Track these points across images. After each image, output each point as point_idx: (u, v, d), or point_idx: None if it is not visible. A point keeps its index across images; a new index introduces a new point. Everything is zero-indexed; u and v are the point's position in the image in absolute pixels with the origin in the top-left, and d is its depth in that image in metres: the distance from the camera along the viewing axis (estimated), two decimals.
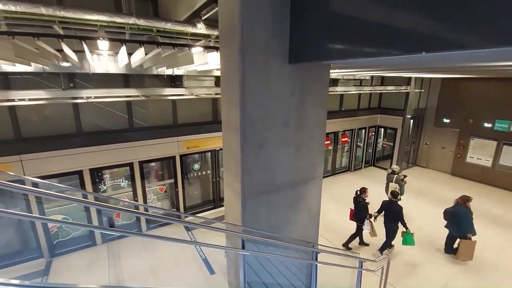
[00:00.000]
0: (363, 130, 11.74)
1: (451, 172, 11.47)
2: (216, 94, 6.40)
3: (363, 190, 6.25)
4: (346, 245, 6.37)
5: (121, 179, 6.09)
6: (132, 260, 5.68)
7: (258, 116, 2.77)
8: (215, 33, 4.59)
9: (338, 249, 5.99)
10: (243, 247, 2.55)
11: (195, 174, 7.25)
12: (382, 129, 12.17)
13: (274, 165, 3.08)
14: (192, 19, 4.47)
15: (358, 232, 6.32)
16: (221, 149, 7.46)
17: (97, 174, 5.75)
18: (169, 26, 4.16)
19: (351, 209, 6.37)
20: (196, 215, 7.50)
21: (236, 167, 2.92)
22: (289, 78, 2.87)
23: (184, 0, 4.56)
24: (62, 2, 4.79)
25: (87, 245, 6.02)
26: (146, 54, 4.26)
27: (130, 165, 6.06)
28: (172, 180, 6.80)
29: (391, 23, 1.72)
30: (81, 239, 5.97)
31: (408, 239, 5.80)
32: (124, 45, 4.10)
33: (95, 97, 5.12)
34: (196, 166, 7.18)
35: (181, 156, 6.71)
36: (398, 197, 6.29)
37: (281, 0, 2.57)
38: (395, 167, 8.28)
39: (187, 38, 4.95)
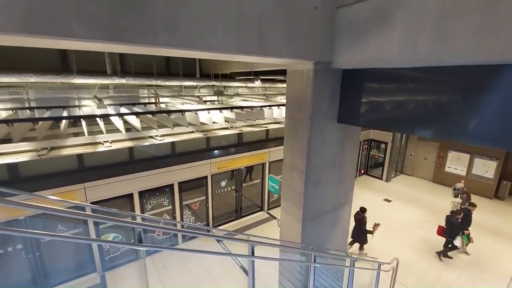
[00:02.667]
0: (359, 144, 12.87)
1: (432, 180, 12.79)
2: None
3: (457, 212, 7.08)
4: (441, 254, 7.14)
5: (163, 199, 6.77)
6: (178, 270, 6.35)
7: (316, 161, 3.63)
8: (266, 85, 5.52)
9: (360, 255, 6.95)
10: (314, 260, 3.41)
11: (222, 190, 8.02)
12: (375, 143, 13.40)
13: (324, 195, 3.95)
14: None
15: (450, 246, 7.04)
16: (245, 167, 8.30)
17: (144, 195, 6.41)
18: (235, 84, 5.07)
19: (439, 226, 7.19)
20: (222, 226, 8.28)
21: (298, 199, 3.77)
22: (336, 132, 3.75)
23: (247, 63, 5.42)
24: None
25: (133, 259, 6.63)
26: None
27: (171, 186, 6.75)
28: (204, 197, 7.55)
29: (404, 113, 2.67)
30: (128, 253, 6.58)
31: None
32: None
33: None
34: (223, 183, 7.95)
35: (212, 175, 7.47)
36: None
37: (335, 83, 3.46)
38: (458, 185, 9.00)
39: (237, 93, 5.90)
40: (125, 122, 5.95)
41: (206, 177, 7.36)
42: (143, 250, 6.71)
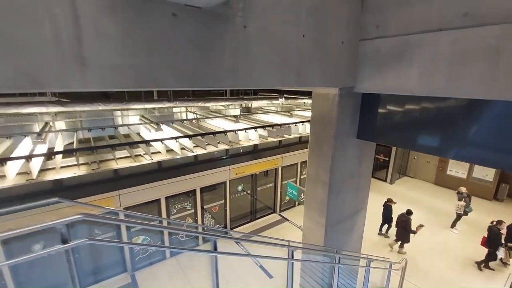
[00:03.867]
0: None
1: (434, 182, 13.09)
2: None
3: (500, 222, 7.28)
4: (481, 264, 7.22)
5: (186, 203, 7.13)
6: (201, 269, 6.71)
7: (338, 174, 3.97)
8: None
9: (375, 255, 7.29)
10: (338, 262, 3.76)
11: (238, 194, 8.38)
12: (380, 146, 13.72)
13: (344, 204, 4.29)
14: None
15: (492, 257, 7.12)
16: (260, 172, 8.66)
17: (170, 200, 6.78)
18: (263, 102, 5.47)
19: (484, 236, 7.32)
20: (238, 228, 8.63)
21: (321, 208, 4.11)
22: (355, 147, 4.08)
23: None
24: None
25: (160, 259, 7.00)
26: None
27: (193, 191, 7.11)
28: (222, 201, 7.91)
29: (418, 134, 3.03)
30: (155, 254, 6.95)
31: None
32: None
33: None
34: (240, 188, 8.32)
35: (230, 180, 7.83)
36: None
37: (356, 104, 3.80)
38: (461, 189, 9.25)
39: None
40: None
41: (225, 182, 7.72)
42: (169, 251, 7.09)
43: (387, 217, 8.55)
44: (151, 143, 5.49)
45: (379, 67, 3.21)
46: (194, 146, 6.57)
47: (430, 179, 13.25)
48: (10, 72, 1.41)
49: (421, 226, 7.51)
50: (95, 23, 1.58)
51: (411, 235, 7.62)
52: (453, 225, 9.12)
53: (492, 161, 2.81)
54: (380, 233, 8.79)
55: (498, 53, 2.27)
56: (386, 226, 8.76)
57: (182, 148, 6.12)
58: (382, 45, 3.13)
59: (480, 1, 2.33)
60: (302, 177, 9.92)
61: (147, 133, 6.25)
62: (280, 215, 9.57)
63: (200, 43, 2.03)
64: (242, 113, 9.11)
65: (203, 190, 7.28)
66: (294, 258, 3.02)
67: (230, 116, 8.07)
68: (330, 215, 4.13)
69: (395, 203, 8.20)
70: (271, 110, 9.44)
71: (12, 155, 5.23)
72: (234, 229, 8.44)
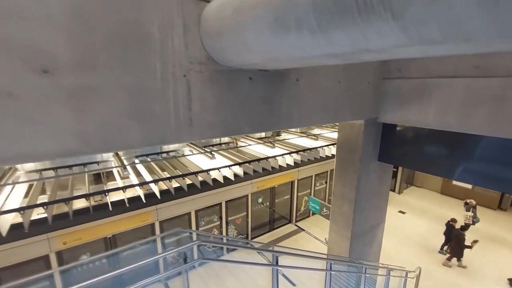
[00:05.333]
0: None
1: (440, 192, 13.37)
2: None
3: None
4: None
5: (213, 216, 7.56)
6: (230, 277, 7.06)
7: (363, 193, 4.38)
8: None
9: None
10: (365, 272, 4.13)
11: (258, 206, 8.79)
12: None
13: (367, 219, 4.68)
14: None
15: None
16: (278, 185, 9.07)
17: (199, 213, 7.20)
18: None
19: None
20: (258, 238, 9.00)
21: (347, 222, 4.51)
22: (377, 169, 4.50)
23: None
24: None
25: (190, 268, 7.39)
26: None
27: (219, 204, 7.54)
28: (245, 213, 8.32)
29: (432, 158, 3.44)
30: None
31: None
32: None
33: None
34: (260, 200, 8.73)
35: (251, 193, 8.26)
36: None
37: (378, 131, 4.24)
38: (471, 201, 9.48)
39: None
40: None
41: (247, 196, 8.14)
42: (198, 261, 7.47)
43: (449, 235, 8.46)
44: (209, 172, 5.93)
45: (400, 102, 3.66)
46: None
47: (436, 189, 13.52)
48: (146, 133, 1.87)
49: (476, 241, 7.58)
50: (199, 93, 2.05)
51: (466, 250, 7.68)
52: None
53: (498, 185, 3.24)
54: (441, 251, 8.68)
55: (502, 100, 2.71)
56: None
57: (235, 176, 6.53)
58: (403, 84, 3.58)
59: (489, 57, 2.78)
60: (315, 188, 10.32)
61: (201, 160, 6.61)
62: (296, 225, 9.93)
63: (266, 97, 2.49)
64: (272, 136, 9.60)
65: (228, 203, 7.70)
66: (332, 269, 3.39)
67: (266, 140, 8.56)
68: (355, 229, 4.52)
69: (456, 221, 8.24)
70: (296, 131, 10.01)
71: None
72: (254, 239, 8.81)
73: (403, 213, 11.21)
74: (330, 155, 7.47)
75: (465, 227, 8.08)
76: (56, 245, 4.97)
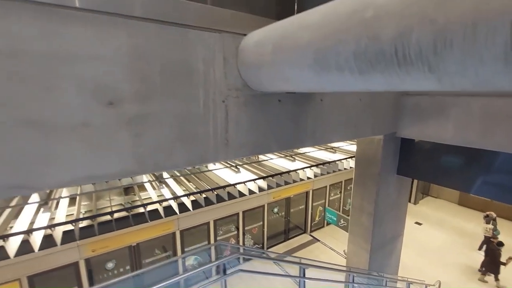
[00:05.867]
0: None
1: (458, 203, 13.07)
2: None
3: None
4: None
5: (231, 225, 7.70)
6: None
7: (381, 206, 4.45)
8: None
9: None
10: (385, 284, 4.16)
11: (274, 216, 8.88)
12: None
13: (386, 232, 4.72)
14: None
15: None
16: (295, 195, 9.15)
17: (217, 222, 7.36)
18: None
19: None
20: (273, 247, 9.05)
21: (366, 235, 4.56)
22: (396, 182, 4.57)
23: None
24: None
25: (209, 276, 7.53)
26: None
27: (237, 214, 7.68)
28: (261, 223, 8.42)
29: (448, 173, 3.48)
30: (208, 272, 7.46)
31: None
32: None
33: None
34: (275, 210, 8.83)
35: (268, 204, 8.37)
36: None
37: (397, 145, 4.33)
38: (491, 214, 9.25)
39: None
40: None
41: (263, 206, 8.26)
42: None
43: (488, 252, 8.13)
44: (236, 186, 6.15)
45: (419, 118, 3.75)
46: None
47: (453, 200, 13.22)
48: (190, 154, 2.06)
49: (511, 258, 7.38)
50: (235, 116, 2.23)
51: (502, 266, 7.49)
52: (481, 247, 9.14)
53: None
54: (480, 270, 8.25)
55: None
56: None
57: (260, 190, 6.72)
58: (422, 101, 3.68)
59: None
60: (330, 198, 10.31)
61: (225, 173, 6.84)
62: (311, 235, 9.92)
63: (293, 117, 2.66)
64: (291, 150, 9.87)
65: (245, 213, 7.83)
66: (354, 282, 3.45)
67: (286, 154, 8.73)
68: (374, 242, 4.56)
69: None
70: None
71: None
72: (270, 248, 8.87)
73: (420, 224, 11.02)
74: (348, 168, 7.53)
75: (501, 243, 7.81)
76: (85, 253, 5.20)
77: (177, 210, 6.25)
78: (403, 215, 5.06)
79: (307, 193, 9.54)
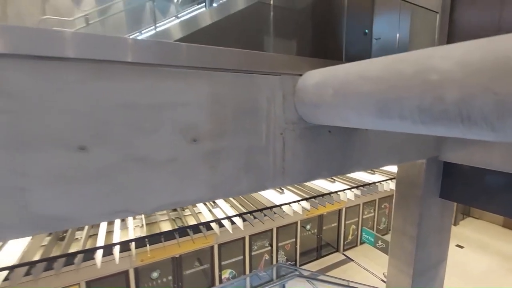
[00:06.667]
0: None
1: (502, 225, 12.12)
2: None
3: None
4: None
5: (264, 241, 7.83)
6: None
7: (425, 229, 4.38)
8: None
9: None
10: None
11: (306, 233, 8.88)
12: None
13: (429, 256, 4.61)
14: None
15: None
16: (327, 213, 9.10)
17: (252, 238, 7.54)
18: None
19: None
20: (305, 265, 8.99)
21: (408, 258, 4.49)
22: (438, 205, 4.48)
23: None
24: None
25: None
26: None
27: (271, 230, 7.81)
28: (294, 239, 8.46)
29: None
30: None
31: None
32: None
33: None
34: (308, 227, 8.83)
35: (301, 220, 8.41)
36: None
37: (440, 168, 4.29)
38: None
39: None
40: None
41: (296, 223, 8.30)
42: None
43: None
44: (282, 207, 6.41)
45: (463, 142, 3.73)
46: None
47: (497, 221, 12.28)
48: (252, 182, 2.29)
49: None
50: (291, 147, 2.45)
51: None
52: None
53: None
54: None
55: None
56: None
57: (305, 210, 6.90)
58: None
59: None
60: (364, 217, 10.08)
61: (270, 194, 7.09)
62: (344, 254, 9.72)
63: (341, 146, 2.82)
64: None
65: (278, 229, 7.93)
66: None
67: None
68: (417, 266, 4.47)
69: None
70: None
71: None
72: (303, 266, 8.81)
73: (461, 247, 10.36)
74: (388, 190, 7.43)
75: None
76: (135, 262, 5.60)
77: (216, 225, 6.51)
78: (446, 239, 4.90)
79: (339, 211, 9.43)
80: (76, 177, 1.59)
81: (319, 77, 2.11)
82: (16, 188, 1.46)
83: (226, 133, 2.06)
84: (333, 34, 4.25)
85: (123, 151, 1.70)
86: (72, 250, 4.48)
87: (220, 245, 6.85)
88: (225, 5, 5.32)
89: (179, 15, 6.87)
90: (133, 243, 4.94)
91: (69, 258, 4.50)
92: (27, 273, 4.24)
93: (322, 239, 9.36)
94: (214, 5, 6.61)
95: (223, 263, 7.18)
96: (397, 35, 5.37)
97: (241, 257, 7.38)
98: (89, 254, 4.67)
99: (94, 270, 5.12)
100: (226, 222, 6.02)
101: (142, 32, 7.04)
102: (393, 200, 4.67)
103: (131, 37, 7.14)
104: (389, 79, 1.51)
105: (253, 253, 7.57)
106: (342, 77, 1.86)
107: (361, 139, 2.97)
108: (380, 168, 3.54)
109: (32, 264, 4.05)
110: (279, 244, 8.15)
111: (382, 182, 6.94)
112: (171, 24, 6.45)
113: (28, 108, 1.44)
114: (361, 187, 6.71)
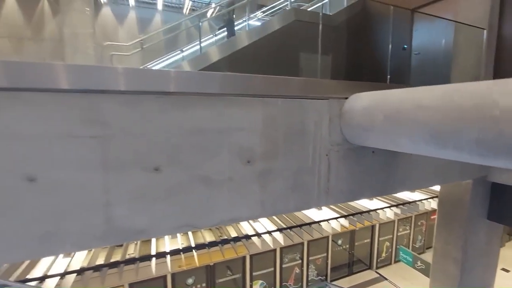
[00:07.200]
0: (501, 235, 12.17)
1: None
2: None
3: None
4: None
5: (295, 254, 7.81)
6: None
7: (470, 253, 4.14)
8: None
9: None
10: None
11: (338, 248, 8.70)
12: None
13: (475, 280, 4.33)
14: None
15: None
16: (360, 228, 8.88)
17: (283, 250, 7.56)
18: None
19: None
20: (336, 281, 8.78)
21: (452, 283, 4.24)
22: (485, 227, 4.24)
23: None
24: None
25: None
26: None
27: (302, 244, 7.78)
28: (325, 254, 8.33)
29: None
30: None
31: None
32: None
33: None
34: (340, 242, 8.66)
35: (332, 235, 8.27)
36: None
37: (487, 189, 4.10)
38: None
39: None
40: None
41: (328, 237, 8.18)
42: None
43: None
44: (321, 224, 6.51)
45: None
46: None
47: None
48: (298, 201, 2.39)
49: None
50: (336, 168, 2.51)
51: None
52: None
53: None
54: None
55: None
56: None
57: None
58: None
59: None
60: (398, 234, 9.66)
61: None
62: (376, 272, 9.34)
63: (385, 166, 2.83)
64: None
65: (310, 243, 7.86)
66: None
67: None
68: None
69: None
70: None
71: None
72: (333, 282, 8.60)
73: (507, 271, 9.51)
74: (430, 209, 7.12)
75: None
76: (173, 268, 5.86)
77: (258, 238, 6.65)
78: (494, 264, 4.59)
79: (373, 226, 9.12)
80: (151, 194, 1.80)
81: (368, 102, 2.18)
82: (104, 203, 1.69)
83: (276, 154, 2.20)
84: (375, 55, 4.30)
85: (190, 171, 1.89)
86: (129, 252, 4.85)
87: (252, 256, 6.93)
88: (268, 27, 5.56)
89: (216, 33, 7.25)
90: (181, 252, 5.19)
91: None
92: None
93: (354, 255, 9.08)
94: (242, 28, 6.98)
95: (254, 273, 7.24)
96: (439, 48, 5.25)
97: (272, 268, 7.40)
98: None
99: (135, 273, 5.44)
100: (266, 236, 6.12)
101: (183, 49, 7.52)
102: (435, 220, 4.49)
103: (173, 54, 7.66)
104: (447, 110, 1.55)
105: (283, 266, 7.55)
106: (394, 103, 1.92)
107: (405, 160, 2.96)
108: (426, 187, 3.47)
109: (97, 268, 4.48)
110: (310, 258, 8.05)
111: (423, 201, 6.64)
112: (211, 42, 6.84)
113: (117, 134, 1.67)
114: (401, 206, 6.48)
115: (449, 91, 1.59)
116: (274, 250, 7.31)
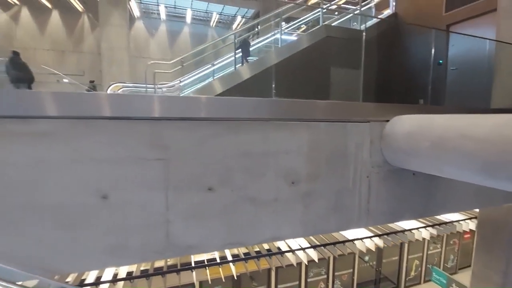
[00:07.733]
0: None
1: None
2: None
3: None
4: None
5: (321, 269, 7.70)
6: None
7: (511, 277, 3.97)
8: None
9: None
10: None
11: (365, 265, 8.47)
12: None
13: None
14: None
15: None
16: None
17: (309, 264, 7.48)
18: None
19: None
20: None
21: None
22: None
23: None
24: None
25: None
26: None
27: (328, 259, 7.66)
28: (351, 270, 8.15)
29: None
30: None
31: None
32: None
33: None
34: (366, 258, 8.42)
35: (359, 251, 8.08)
36: None
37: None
38: None
39: None
40: None
41: (354, 253, 7.99)
42: None
43: None
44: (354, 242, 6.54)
45: None
46: None
47: None
48: (339, 221, 2.42)
49: None
50: (376, 189, 2.54)
51: None
52: None
53: None
54: None
55: None
56: None
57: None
58: None
59: None
60: (428, 252, 9.24)
61: None
62: None
63: (425, 189, 2.78)
64: None
65: (335, 258, 7.72)
66: None
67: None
68: None
69: None
70: None
71: None
72: None
73: None
74: (468, 230, 6.80)
75: None
76: (201, 277, 5.99)
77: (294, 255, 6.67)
78: None
79: (401, 244, 8.79)
80: (205, 212, 1.93)
81: (411, 127, 2.21)
82: (164, 220, 1.84)
83: (319, 176, 2.27)
84: (410, 72, 4.29)
85: (240, 192, 2.01)
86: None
87: (277, 268, 6.92)
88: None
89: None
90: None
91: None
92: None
93: (381, 272, 8.78)
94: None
95: (279, 286, 7.21)
96: (477, 63, 5.10)
97: (297, 282, 7.33)
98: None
99: (170, 280, 5.62)
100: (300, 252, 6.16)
101: (214, 63, 7.83)
102: (474, 242, 4.32)
103: (204, 68, 7.99)
104: (497, 143, 1.56)
105: (308, 280, 7.46)
106: (439, 131, 1.94)
107: (447, 182, 2.91)
108: (468, 210, 3.35)
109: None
110: (336, 274, 7.89)
111: (460, 222, 6.35)
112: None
113: (176, 157, 1.83)
114: (437, 226, 6.25)
115: (499, 124, 1.60)
116: (300, 263, 7.25)
